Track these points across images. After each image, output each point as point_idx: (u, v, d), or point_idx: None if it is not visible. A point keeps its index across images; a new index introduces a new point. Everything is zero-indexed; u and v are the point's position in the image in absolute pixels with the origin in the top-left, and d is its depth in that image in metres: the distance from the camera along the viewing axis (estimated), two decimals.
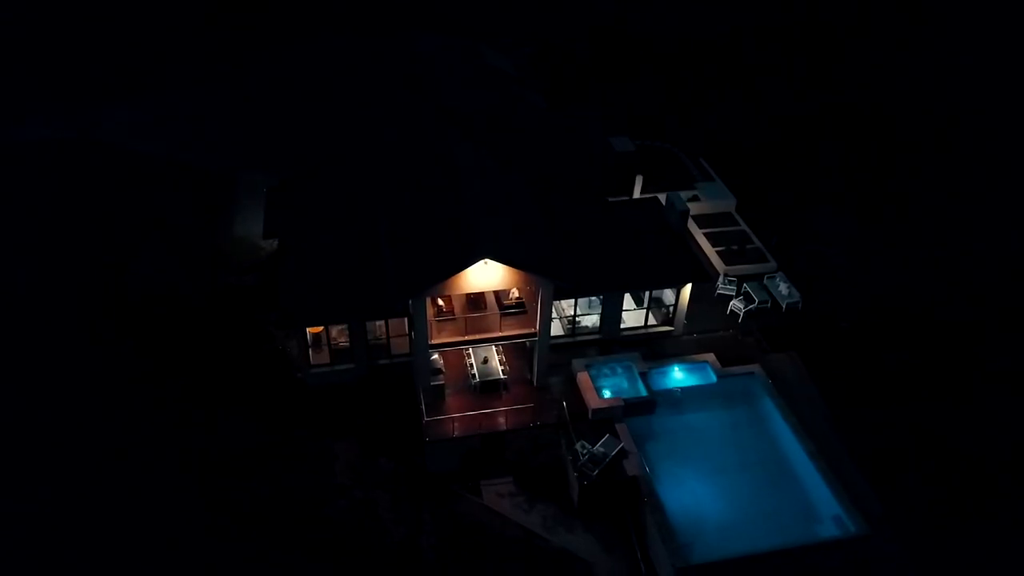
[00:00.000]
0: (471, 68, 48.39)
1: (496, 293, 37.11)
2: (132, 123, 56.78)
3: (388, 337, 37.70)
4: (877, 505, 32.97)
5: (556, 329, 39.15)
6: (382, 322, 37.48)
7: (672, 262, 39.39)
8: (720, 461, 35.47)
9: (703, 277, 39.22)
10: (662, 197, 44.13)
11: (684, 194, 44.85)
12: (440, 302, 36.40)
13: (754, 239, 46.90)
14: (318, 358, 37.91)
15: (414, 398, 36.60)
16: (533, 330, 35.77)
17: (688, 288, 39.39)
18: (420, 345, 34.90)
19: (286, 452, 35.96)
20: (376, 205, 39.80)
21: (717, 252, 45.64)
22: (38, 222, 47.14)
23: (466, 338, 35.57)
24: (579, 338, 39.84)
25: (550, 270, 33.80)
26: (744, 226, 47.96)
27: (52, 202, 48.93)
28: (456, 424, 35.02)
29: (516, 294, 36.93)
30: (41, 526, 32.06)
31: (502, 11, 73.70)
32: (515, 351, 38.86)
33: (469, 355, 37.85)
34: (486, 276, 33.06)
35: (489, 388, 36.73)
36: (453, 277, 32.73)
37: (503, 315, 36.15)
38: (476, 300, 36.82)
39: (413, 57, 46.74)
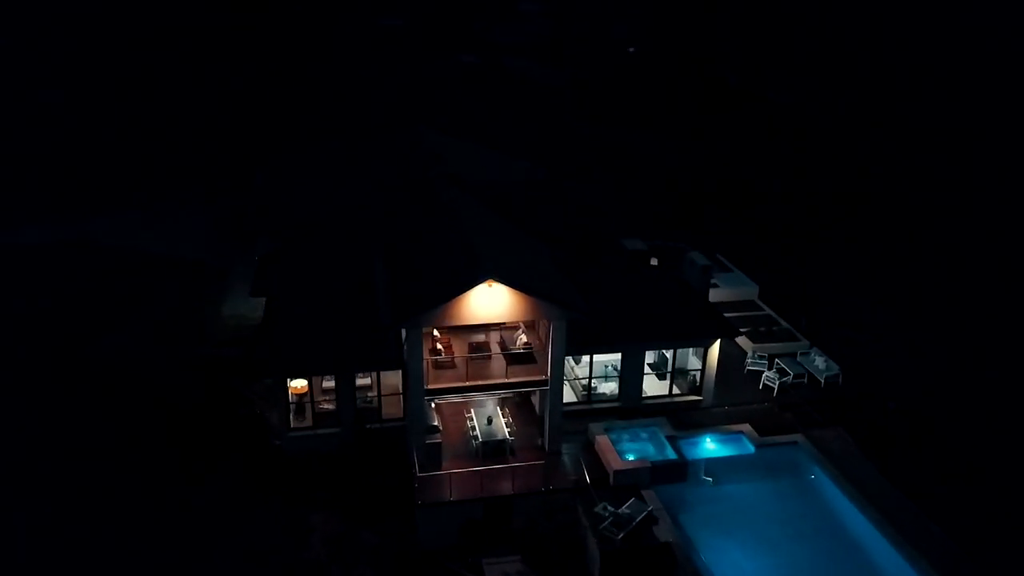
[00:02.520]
0: (479, 155, 47.61)
1: (501, 339, 33.35)
2: (129, 227, 55.56)
3: (379, 394, 33.39)
4: (967, 567, 26.97)
5: (570, 395, 34.89)
6: (373, 384, 33.48)
7: (696, 319, 35.81)
8: (768, 532, 29.82)
9: (731, 332, 35.49)
10: None
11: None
12: (439, 346, 32.52)
13: (781, 322, 43.40)
14: (299, 421, 33.40)
15: (405, 465, 31.67)
16: (543, 377, 31.52)
17: (716, 350, 35.48)
18: (414, 389, 30.57)
19: (254, 523, 30.55)
20: (372, 257, 36.99)
21: (743, 332, 41.95)
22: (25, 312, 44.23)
23: (467, 384, 31.30)
24: (596, 405, 35.34)
25: (562, 298, 30.27)
26: (769, 311, 44.63)
27: (42, 295, 46.31)
28: (454, 485, 29.86)
29: (523, 339, 33.11)
30: None
31: (510, 127, 75.53)
32: (523, 416, 34.37)
33: (471, 416, 33.35)
34: (490, 304, 29.49)
35: (493, 451, 31.85)
36: (454, 303, 29.20)
37: (510, 363, 32.09)
38: (480, 347, 32.97)
39: (420, 144, 46.02)
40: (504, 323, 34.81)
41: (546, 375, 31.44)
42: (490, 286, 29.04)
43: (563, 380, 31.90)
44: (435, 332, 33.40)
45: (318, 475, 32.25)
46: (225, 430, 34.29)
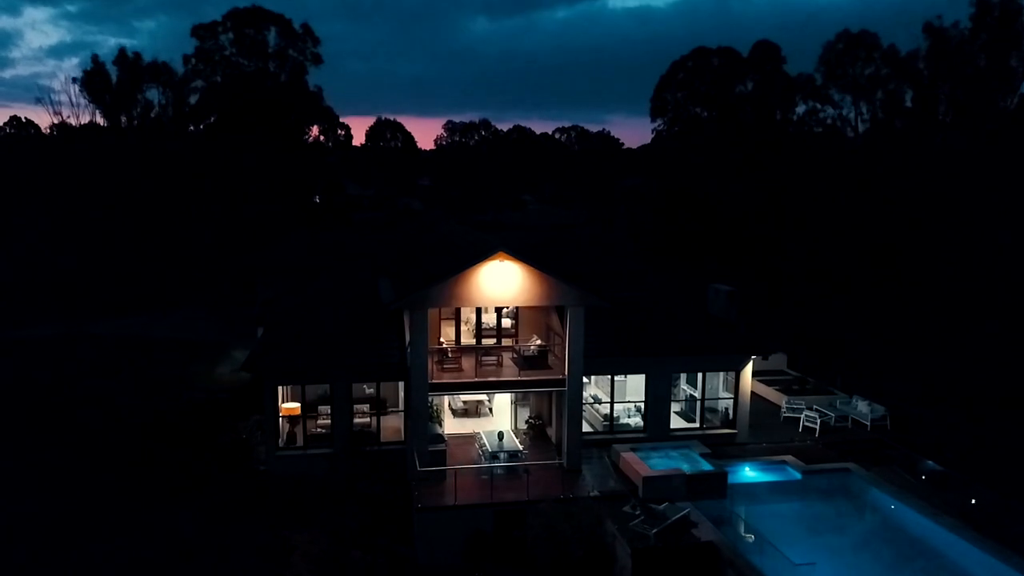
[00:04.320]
0: None
1: (513, 352, 30.68)
2: (134, 325, 54.16)
3: (379, 416, 30.19)
4: None
5: (589, 428, 31.55)
6: (372, 413, 30.46)
7: (725, 339, 33.15)
8: (831, 542, 25.43)
9: (764, 350, 32.67)
10: None
11: None
12: (444, 343, 29.87)
13: (811, 380, 40.33)
14: (289, 443, 30.01)
15: (403, 480, 27.96)
16: (560, 376, 28.53)
17: (748, 377, 32.52)
18: (418, 384, 27.56)
19: (229, 544, 26.41)
20: (376, 279, 35.11)
21: (775, 390, 38.83)
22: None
23: (475, 380, 28.31)
24: (619, 435, 31.77)
25: (580, 282, 28.10)
26: (800, 375, 41.62)
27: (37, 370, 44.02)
28: (460, 488, 26.04)
29: (538, 342, 30.44)
30: None
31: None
32: (538, 444, 30.84)
33: (479, 435, 29.96)
34: (501, 285, 27.40)
35: (505, 463, 28.17)
36: (462, 281, 27.14)
37: (522, 366, 29.24)
38: (489, 353, 30.29)
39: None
40: (516, 343, 32.48)
41: (563, 374, 28.50)
42: (501, 261, 27.17)
43: (582, 382, 28.88)
44: (443, 342, 30.98)
45: (306, 495, 28.35)
46: (208, 456, 30.77)
